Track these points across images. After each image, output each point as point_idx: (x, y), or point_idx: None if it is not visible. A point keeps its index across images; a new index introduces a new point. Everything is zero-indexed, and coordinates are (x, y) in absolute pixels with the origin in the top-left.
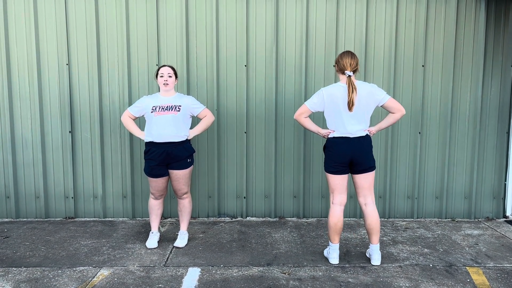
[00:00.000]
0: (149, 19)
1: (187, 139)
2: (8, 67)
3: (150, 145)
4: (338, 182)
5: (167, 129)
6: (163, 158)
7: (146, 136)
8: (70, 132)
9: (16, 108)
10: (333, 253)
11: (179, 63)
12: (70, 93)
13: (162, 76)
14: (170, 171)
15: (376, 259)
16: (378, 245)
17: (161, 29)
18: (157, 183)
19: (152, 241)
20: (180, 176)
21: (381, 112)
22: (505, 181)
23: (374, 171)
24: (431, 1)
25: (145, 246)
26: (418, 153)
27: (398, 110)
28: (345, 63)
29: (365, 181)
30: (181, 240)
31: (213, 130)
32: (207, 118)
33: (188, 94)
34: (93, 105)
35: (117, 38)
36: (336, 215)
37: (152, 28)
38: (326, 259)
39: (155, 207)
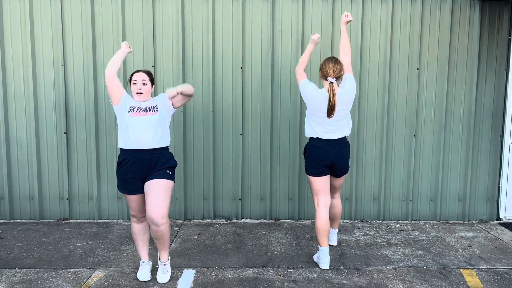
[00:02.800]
0: (145, 20)
1: (167, 147)
2: (3, 67)
3: (125, 154)
4: (322, 184)
5: (145, 133)
6: (139, 167)
7: (120, 143)
8: (65, 133)
9: (11, 108)
10: (323, 258)
11: (175, 65)
12: (65, 94)
13: (135, 84)
14: (147, 183)
15: (333, 240)
16: (337, 230)
17: (157, 30)
18: (136, 202)
19: (144, 272)
20: (158, 187)
21: (360, 112)
22: (499, 183)
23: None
24: (425, 5)
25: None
26: (413, 155)
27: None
28: (328, 69)
29: (339, 182)
30: (164, 274)
31: (209, 131)
32: (186, 85)
33: None
34: (89, 106)
35: (113, 39)
36: (323, 218)
37: (148, 29)
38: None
39: (139, 232)
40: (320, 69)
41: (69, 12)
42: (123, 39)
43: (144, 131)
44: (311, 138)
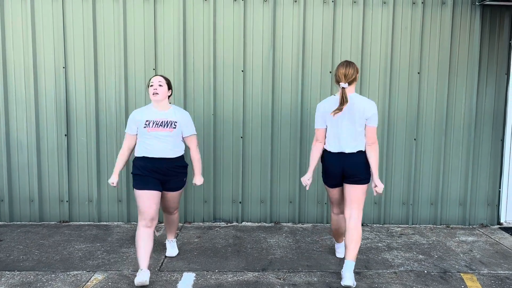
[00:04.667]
0: (147, 24)
1: (182, 156)
2: (4, 69)
3: (140, 160)
4: (335, 194)
5: (162, 145)
6: (157, 172)
7: (138, 151)
8: (66, 135)
9: (12, 111)
10: (338, 249)
11: (176, 69)
12: (66, 96)
13: (151, 86)
14: (165, 193)
15: (347, 278)
16: (353, 263)
17: (159, 34)
18: (150, 201)
19: (142, 276)
20: (175, 196)
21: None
22: (500, 188)
23: (365, 186)
24: (426, 9)
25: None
26: (414, 159)
27: (372, 141)
28: (340, 74)
29: (354, 193)
30: (173, 249)
31: (209, 135)
32: (197, 155)
33: (185, 99)
34: (89, 109)
35: (115, 43)
36: (336, 223)
37: (150, 33)
38: (321, 265)
39: (145, 238)
40: (334, 75)
41: (71, 15)
42: (125, 43)
43: (161, 143)
44: (324, 150)
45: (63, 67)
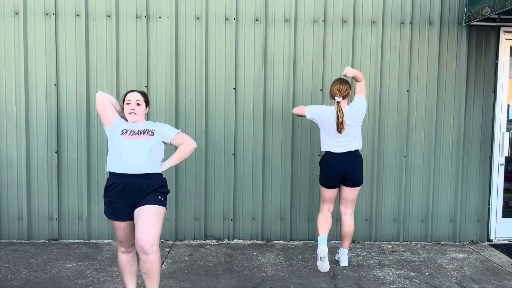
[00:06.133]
0: (139, 42)
1: (161, 174)
2: None
3: (114, 178)
4: (329, 195)
5: (138, 157)
6: (129, 193)
7: (110, 166)
8: (56, 152)
9: (2, 127)
10: (321, 244)
11: (168, 86)
12: (57, 113)
13: (128, 104)
14: (137, 210)
15: (344, 261)
16: (347, 250)
17: (151, 52)
18: (124, 230)
19: None
20: (149, 213)
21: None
22: (489, 205)
23: (360, 187)
24: (414, 29)
25: None
26: (404, 176)
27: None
28: (334, 89)
29: (351, 194)
30: None
31: (201, 151)
32: (186, 144)
33: (177, 116)
34: (81, 125)
35: (107, 61)
36: (324, 215)
37: (142, 51)
38: (313, 283)
39: (127, 263)
40: (329, 90)
41: (63, 32)
42: (117, 60)
43: (136, 154)
44: (325, 152)
45: (55, 84)
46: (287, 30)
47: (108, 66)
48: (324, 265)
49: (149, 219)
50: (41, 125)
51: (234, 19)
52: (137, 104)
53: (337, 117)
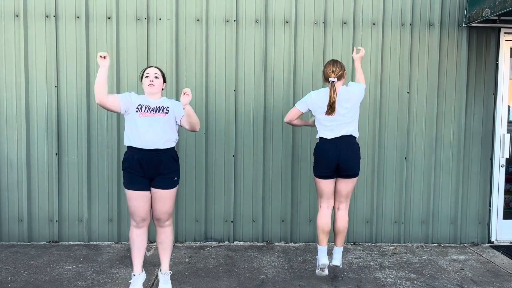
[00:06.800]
0: (139, 43)
1: (173, 148)
2: None
3: (131, 151)
4: (326, 187)
5: (153, 133)
6: (146, 167)
7: (127, 140)
8: (56, 154)
9: (2, 129)
10: (321, 256)
11: (168, 88)
12: (58, 115)
13: (147, 77)
14: (154, 190)
15: (337, 259)
16: (341, 248)
17: (151, 53)
18: (138, 202)
19: (136, 285)
20: (166, 196)
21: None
22: (490, 206)
23: (356, 179)
24: (414, 31)
25: (132, 272)
26: (404, 178)
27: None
28: (328, 70)
29: (346, 187)
30: (166, 284)
31: (201, 153)
32: (196, 117)
33: None
34: (81, 127)
35: None
36: (325, 217)
37: (142, 52)
38: (313, 285)
39: (137, 238)
40: (322, 73)
41: (64, 34)
42: (117, 62)
43: (152, 131)
44: (319, 139)
45: (55, 86)
46: (287, 32)
47: (109, 67)
48: (323, 273)
49: (164, 200)
50: (42, 127)
51: (234, 20)
52: (156, 77)
53: (330, 97)
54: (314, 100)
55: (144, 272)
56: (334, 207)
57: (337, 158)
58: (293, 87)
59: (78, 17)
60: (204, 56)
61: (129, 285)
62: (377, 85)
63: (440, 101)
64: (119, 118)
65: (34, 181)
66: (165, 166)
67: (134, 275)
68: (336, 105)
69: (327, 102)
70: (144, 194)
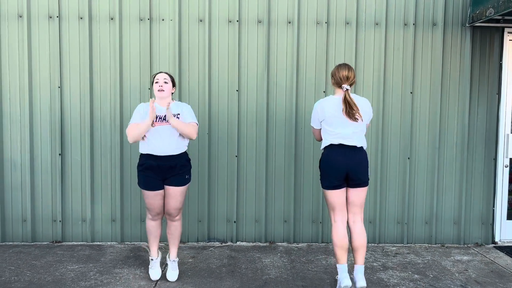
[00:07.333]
0: (142, 44)
1: (185, 152)
2: (0, 88)
3: (147, 158)
4: (337, 198)
5: (167, 141)
6: (160, 171)
7: (142, 147)
8: (60, 154)
9: (6, 129)
10: (341, 274)
11: None
12: (61, 115)
13: (157, 82)
14: (167, 187)
15: (360, 280)
16: (363, 266)
17: (154, 54)
18: (154, 200)
19: (155, 270)
20: (178, 193)
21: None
22: (493, 207)
23: (367, 188)
24: (418, 31)
25: (134, 272)
26: (408, 178)
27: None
28: (343, 76)
29: (358, 197)
30: (174, 271)
31: (204, 153)
32: (190, 127)
33: None
34: (84, 128)
35: (110, 63)
36: (341, 232)
37: (145, 53)
38: (316, 285)
39: (153, 228)
40: (333, 76)
41: (67, 35)
42: (120, 62)
43: (164, 139)
44: (324, 148)
45: (59, 87)
46: (290, 32)
47: (112, 68)
48: None
49: (176, 197)
50: (45, 127)
51: (237, 21)
52: (165, 82)
53: (347, 102)
54: (327, 108)
55: (160, 254)
56: (348, 221)
57: (346, 165)
58: (296, 87)
59: (81, 18)
60: (206, 57)
61: (149, 269)
62: (380, 85)
63: (444, 101)
64: (122, 118)
65: (38, 181)
66: (178, 168)
67: (152, 259)
68: (354, 107)
69: (340, 108)
70: (159, 193)
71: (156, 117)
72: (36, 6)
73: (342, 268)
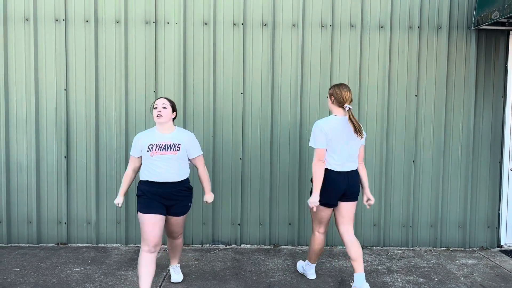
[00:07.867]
0: (148, 47)
1: (187, 178)
2: (6, 91)
3: (147, 185)
4: (327, 215)
5: (166, 170)
6: (163, 197)
7: (142, 175)
8: (65, 157)
9: (13, 132)
10: (310, 270)
11: (176, 91)
12: (67, 118)
13: (155, 108)
14: (169, 217)
15: (364, 284)
16: (364, 273)
17: (159, 57)
18: (153, 227)
19: None
20: (179, 222)
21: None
22: (499, 210)
23: (357, 201)
24: (423, 34)
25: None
26: (412, 181)
27: (361, 159)
28: (345, 96)
29: (351, 210)
30: (177, 274)
31: (209, 156)
32: (205, 170)
33: (185, 121)
34: (90, 130)
35: (116, 66)
36: (322, 243)
37: (150, 56)
38: None
39: (148, 264)
40: (333, 95)
41: (73, 38)
42: (126, 65)
43: (165, 168)
44: (328, 170)
45: (65, 89)
46: (295, 35)
47: (117, 71)
48: None
49: (178, 225)
50: (51, 130)
51: (242, 24)
52: (163, 107)
53: (353, 121)
54: (331, 128)
55: None
56: (341, 234)
57: (346, 186)
58: (301, 90)
59: (87, 21)
60: (211, 59)
61: None
62: (385, 88)
63: (449, 104)
64: (127, 121)
65: (43, 183)
66: (179, 196)
67: None
68: (350, 133)
69: (344, 129)
70: (160, 218)
71: (155, 146)
72: (42, 9)
73: (312, 266)
